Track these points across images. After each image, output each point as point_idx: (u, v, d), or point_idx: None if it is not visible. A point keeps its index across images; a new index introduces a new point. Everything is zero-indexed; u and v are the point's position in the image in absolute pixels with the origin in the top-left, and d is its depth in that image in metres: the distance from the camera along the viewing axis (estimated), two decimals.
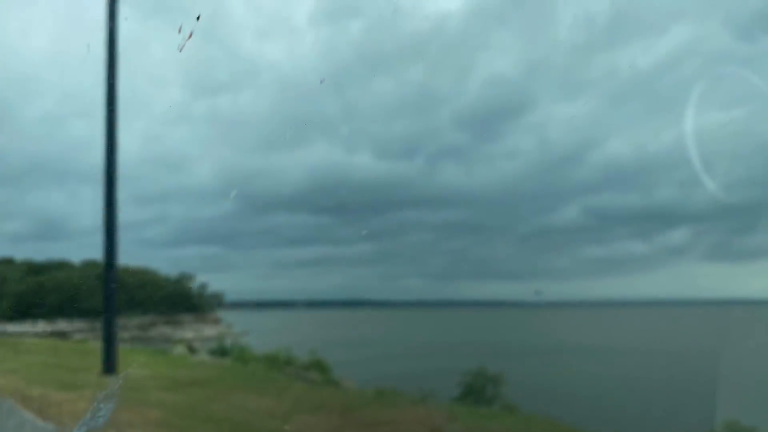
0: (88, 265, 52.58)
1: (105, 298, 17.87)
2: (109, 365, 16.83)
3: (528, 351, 48.82)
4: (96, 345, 26.01)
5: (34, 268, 59.41)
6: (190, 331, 64.20)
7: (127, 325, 56.34)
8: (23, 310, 54.87)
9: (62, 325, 53.15)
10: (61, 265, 60.05)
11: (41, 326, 53.74)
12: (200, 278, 73.76)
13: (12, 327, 52.62)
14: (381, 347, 52.27)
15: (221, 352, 29.39)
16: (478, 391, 22.40)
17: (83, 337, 46.92)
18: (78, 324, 52.86)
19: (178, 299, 67.90)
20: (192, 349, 32.61)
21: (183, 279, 71.22)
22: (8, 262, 61.94)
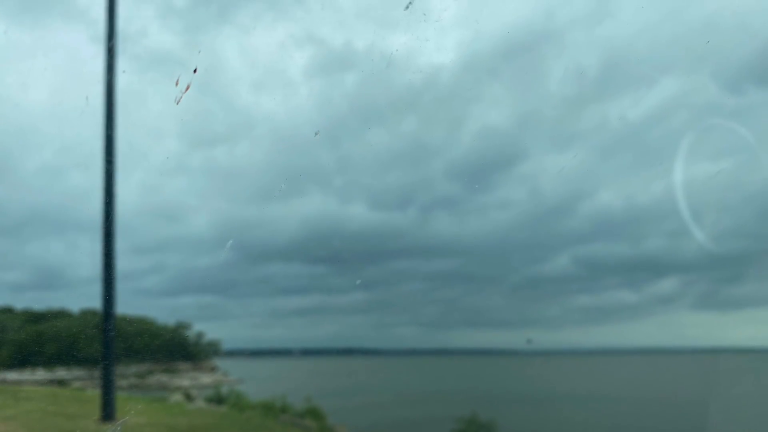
0: (87, 314, 52.96)
1: (103, 346, 18.50)
2: (108, 413, 17.36)
3: (520, 399, 48.97)
4: (94, 393, 26.43)
5: (34, 317, 59.77)
6: (187, 379, 64.20)
7: (125, 374, 56.46)
8: (23, 359, 55.06)
9: (61, 373, 53.26)
10: (60, 314, 60.40)
11: (40, 374, 53.90)
12: (197, 327, 73.96)
13: (12, 375, 52.80)
14: (374, 395, 52.37)
15: (218, 399, 29.73)
16: None
17: (82, 385, 47.09)
18: (77, 372, 53.00)
19: (175, 348, 67.95)
20: (189, 397, 32.92)
21: (180, 328, 71.41)
22: (8, 311, 62.31)
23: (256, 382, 58.35)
